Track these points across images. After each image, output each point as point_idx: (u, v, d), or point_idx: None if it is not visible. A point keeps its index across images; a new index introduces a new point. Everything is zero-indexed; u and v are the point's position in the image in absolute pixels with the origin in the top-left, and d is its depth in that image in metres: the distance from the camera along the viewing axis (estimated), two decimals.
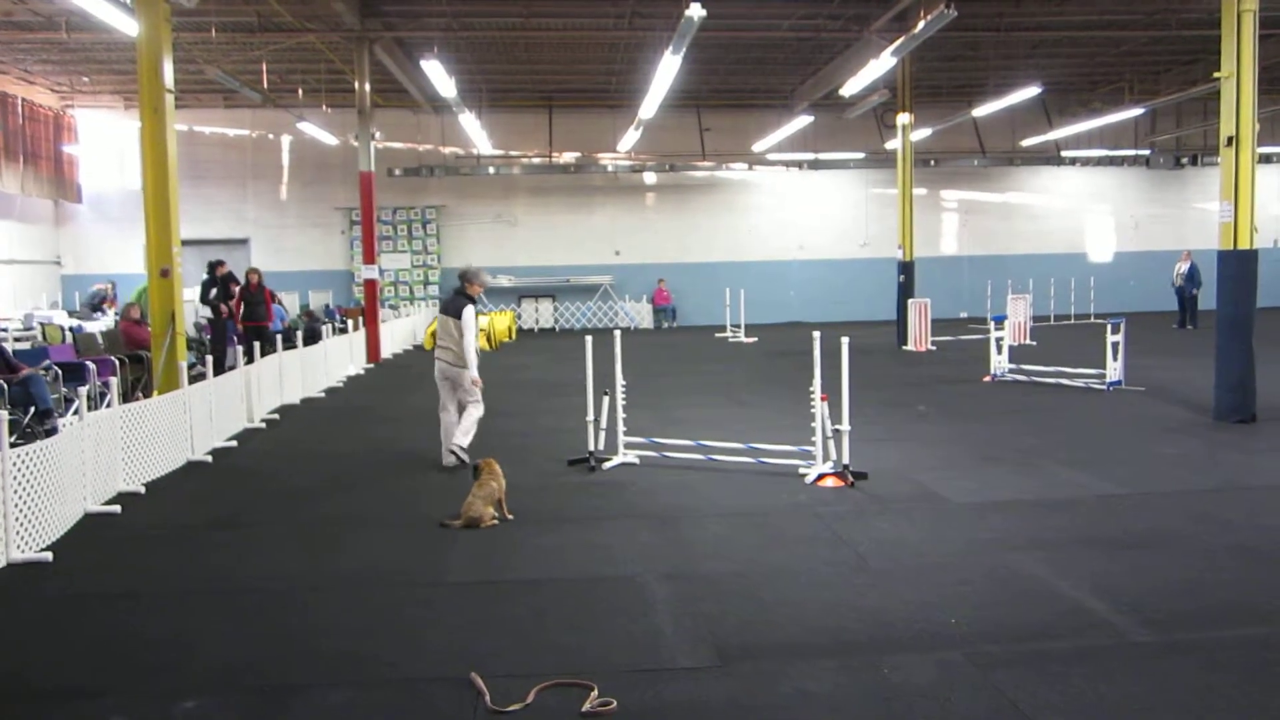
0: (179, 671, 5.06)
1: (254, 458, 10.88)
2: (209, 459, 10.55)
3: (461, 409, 10.03)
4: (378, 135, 21.73)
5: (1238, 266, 11.56)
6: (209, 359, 13.96)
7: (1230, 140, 11.37)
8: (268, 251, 27.90)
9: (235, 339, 17.25)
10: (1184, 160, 30.43)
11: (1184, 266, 24.54)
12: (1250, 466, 9.44)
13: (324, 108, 25.60)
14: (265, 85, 22.49)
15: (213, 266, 17.47)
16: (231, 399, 12.02)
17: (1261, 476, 9.01)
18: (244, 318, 17.52)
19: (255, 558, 7.09)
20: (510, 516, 7.86)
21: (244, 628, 5.71)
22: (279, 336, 14.36)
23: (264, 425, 12.75)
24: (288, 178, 28.47)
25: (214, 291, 17.19)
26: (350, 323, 20.59)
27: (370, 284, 20.78)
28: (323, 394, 15.70)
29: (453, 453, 9.80)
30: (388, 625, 5.68)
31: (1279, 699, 4.52)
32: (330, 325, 20.64)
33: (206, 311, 17.81)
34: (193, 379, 11.01)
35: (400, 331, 23.68)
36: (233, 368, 13.06)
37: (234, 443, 11.47)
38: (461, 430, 9.89)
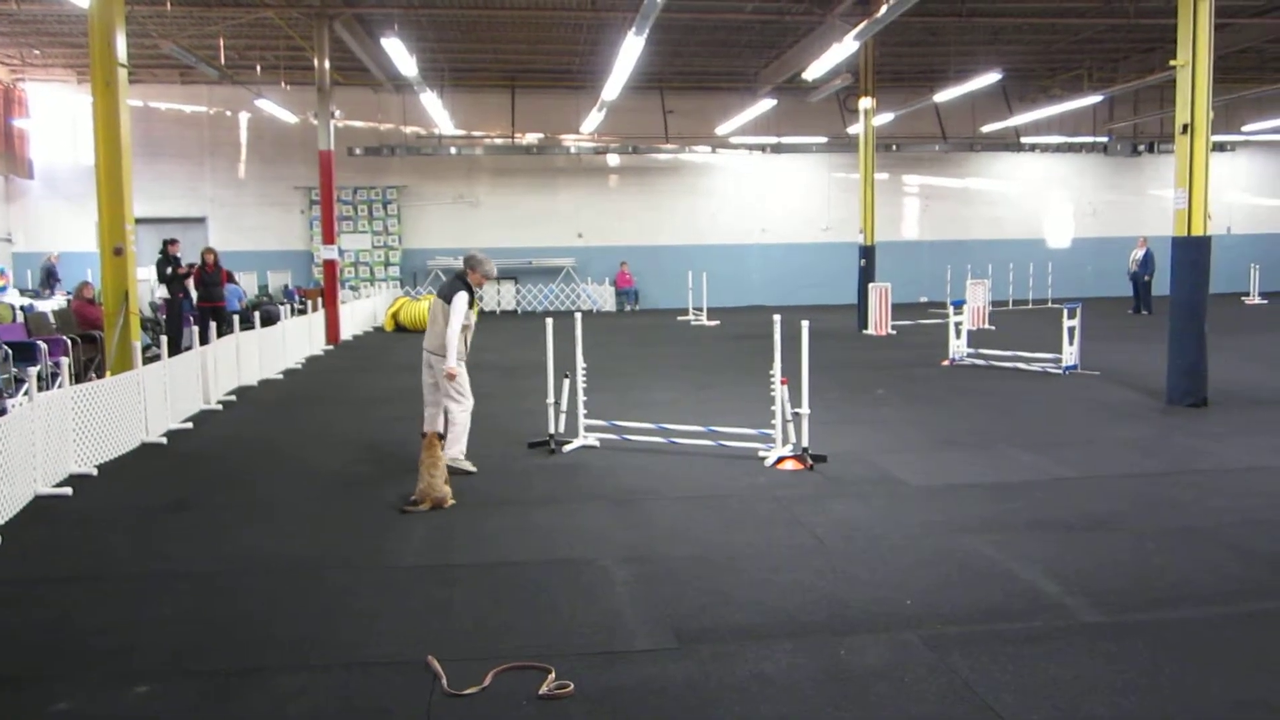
0: (129, 656, 5.00)
1: (210, 440, 10.75)
2: (164, 441, 10.41)
3: (445, 409, 9.02)
4: (338, 114, 21.48)
5: (1191, 253, 11.72)
6: (164, 339, 13.76)
7: (1185, 128, 11.50)
8: (225, 230, 27.52)
9: (191, 319, 17.03)
10: (1141, 147, 30.80)
11: (1139, 253, 24.85)
12: (1200, 450, 9.60)
13: (283, 85, 25.24)
14: (223, 61, 22.12)
15: (165, 245, 17.18)
16: (187, 380, 11.86)
17: (1211, 459, 9.16)
18: (200, 298, 17.28)
19: (209, 541, 7.00)
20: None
21: (197, 612, 5.64)
22: (236, 317, 14.16)
23: (220, 407, 12.59)
24: (246, 155, 28.06)
25: (169, 270, 16.92)
26: (309, 304, 20.36)
27: (330, 264, 20.57)
28: (281, 375, 15.54)
29: (451, 469, 8.38)
30: (343, 609, 5.64)
31: (1223, 678, 4.61)
32: (289, 306, 20.42)
33: (163, 291, 17.54)
34: (147, 360, 10.84)
35: (360, 313, 23.47)
36: (189, 348, 12.88)
37: (190, 425, 11.32)
38: (450, 440, 8.81)
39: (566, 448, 9.69)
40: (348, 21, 19.89)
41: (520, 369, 15.44)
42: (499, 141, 28.44)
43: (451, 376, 8.86)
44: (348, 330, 21.40)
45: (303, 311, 20.10)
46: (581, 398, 9.93)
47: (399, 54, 17.79)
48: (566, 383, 9.81)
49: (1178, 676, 4.62)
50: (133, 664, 4.90)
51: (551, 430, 9.74)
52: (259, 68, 24.74)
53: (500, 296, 28.99)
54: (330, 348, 19.56)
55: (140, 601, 5.81)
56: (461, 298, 8.76)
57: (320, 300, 20.60)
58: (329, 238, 20.53)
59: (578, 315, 10.11)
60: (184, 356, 12.15)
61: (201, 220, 27.67)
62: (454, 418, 9.01)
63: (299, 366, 16.74)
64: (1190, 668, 4.71)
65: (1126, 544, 6.64)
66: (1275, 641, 5.01)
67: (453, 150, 27.96)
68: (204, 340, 12.70)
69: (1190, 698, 4.43)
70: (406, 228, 28.78)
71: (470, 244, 28.49)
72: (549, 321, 9.87)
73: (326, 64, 19.66)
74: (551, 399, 9.75)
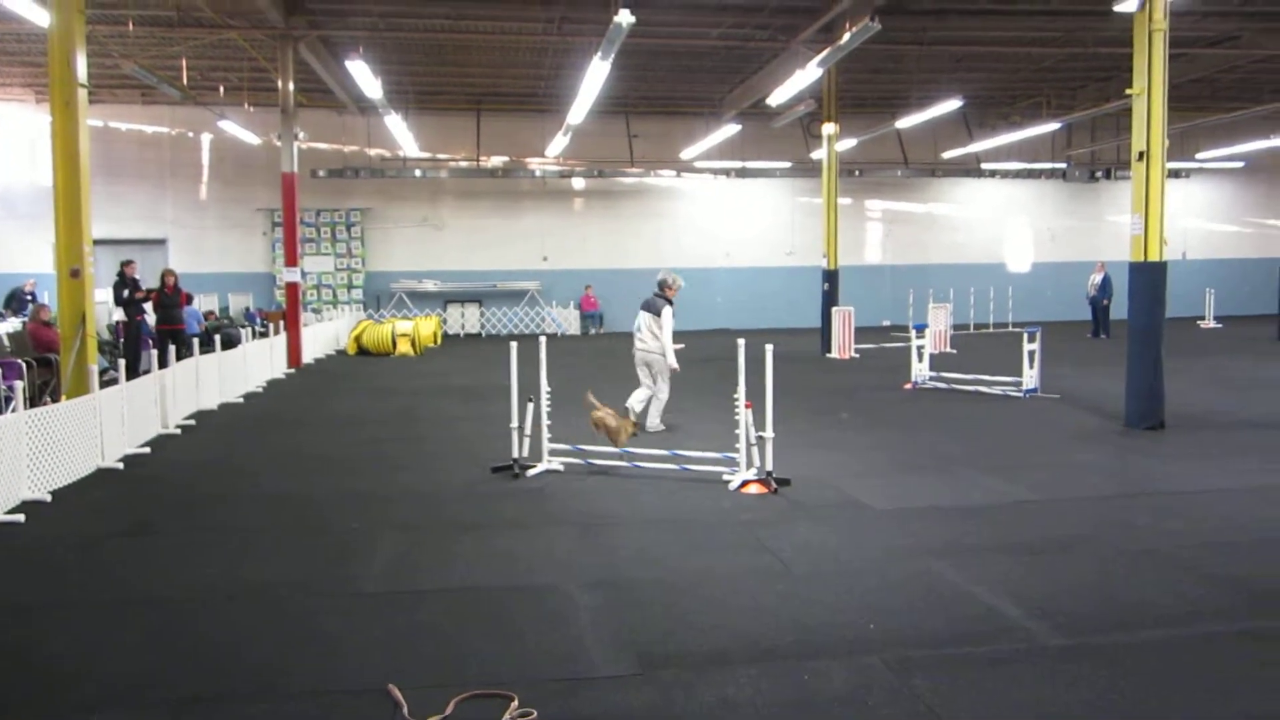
0: (84, 685, 4.91)
1: (167, 465, 10.61)
2: (120, 466, 10.26)
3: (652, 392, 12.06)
4: (301, 135, 21.37)
5: (1148, 278, 11.93)
6: (121, 362, 13.57)
7: (1141, 155, 11.74)
8: (186, 252, 27.24)
9: (150, 342, 16.82)
10: (1098, 174, 31.33)
11: (1098, 277, 25.24)
12: (1158, 472, 9.73)
13: (246, 106, 25.09)
14: (185, 82, 21.96)
15: (122, 267, 16.97)
16: (145, 404, 11.71)
17: (1168, 482, 9.29)
18: (159, 320, 17.08)
19: (167, 567, 6.90)
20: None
21: (154, 639, 5.55)
22: (195, 340, 14.01)
23: (179, 431, 12.44)
24: (208, 177, 27.86)
25: (125, 292, 16.71)
26: (271, 326, 20.17)
27: (292, 287, 20.41)
28: (241, 399, 15.38)
29: (643, 427, 11.72)
30: (303, 636, 5.57)
31: (1182, 700, 4.66)
32: (250, 329, 20.23)
33: (121, 314, 17.32)
34: (104, 383, 10.70)
35: (323, 336, 23.29)
36: (147, 371, 12.72)
37: (147, 449, 11.17)
38: (653, 412, 12.02)
39: (530, 472, 9.66)
40: (312, 44, 19.85)
41: (484, 393, 15.38)
42: (464, 164, 28.44)
43: (675, 369, 11.79)
44: (310, 353, 21.23)
45: (264, 334, 19.92)
46: (546, 421, 9.91)
47: (364, 76, 17.76)
48: (530, 406, 9.79)
49: (1138, 699, 4.67)
50: (87, 692, 4.82)
51: (515, 455, 9.70)
52: (222, 89, 24.59)
53: (464, 320, 28.89)
54: (292, 371, 19.39)
55: (97, 629, 5.71)
56: (668, 310, 11.75)
57: (282, 323, 20.42)
58: (291, 260, 20.38)
59: (542, 339, 10.11)
60: (142, 380, 12.00)
61: (162, 242, 27.39)
62: (660, 395, 12.08)
63: (260, 390, 16.57)
64: (1150, 690, 4.76)
65: (1087, 566, 6.71)
66: (1233, 663, 5.08)
67: (417, 173, 27.92)
68: (162, 363, 12.53)
69: None
70: (370, 250, 28.65)
71: (435, 267, 28.50)
72: (513, 345, 9.85)
73: (290, 86, 19.59)
74: (515, 423, 9.72)
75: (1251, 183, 32.39)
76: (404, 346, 22.60)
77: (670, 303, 11.87)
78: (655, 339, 11.83)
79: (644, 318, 12.01)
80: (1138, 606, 5.91)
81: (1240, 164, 30.91)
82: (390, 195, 28.57)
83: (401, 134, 24.29)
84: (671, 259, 29.80)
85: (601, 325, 29.41)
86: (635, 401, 12.13)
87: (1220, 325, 28.19)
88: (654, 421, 12.02)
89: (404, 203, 28.71)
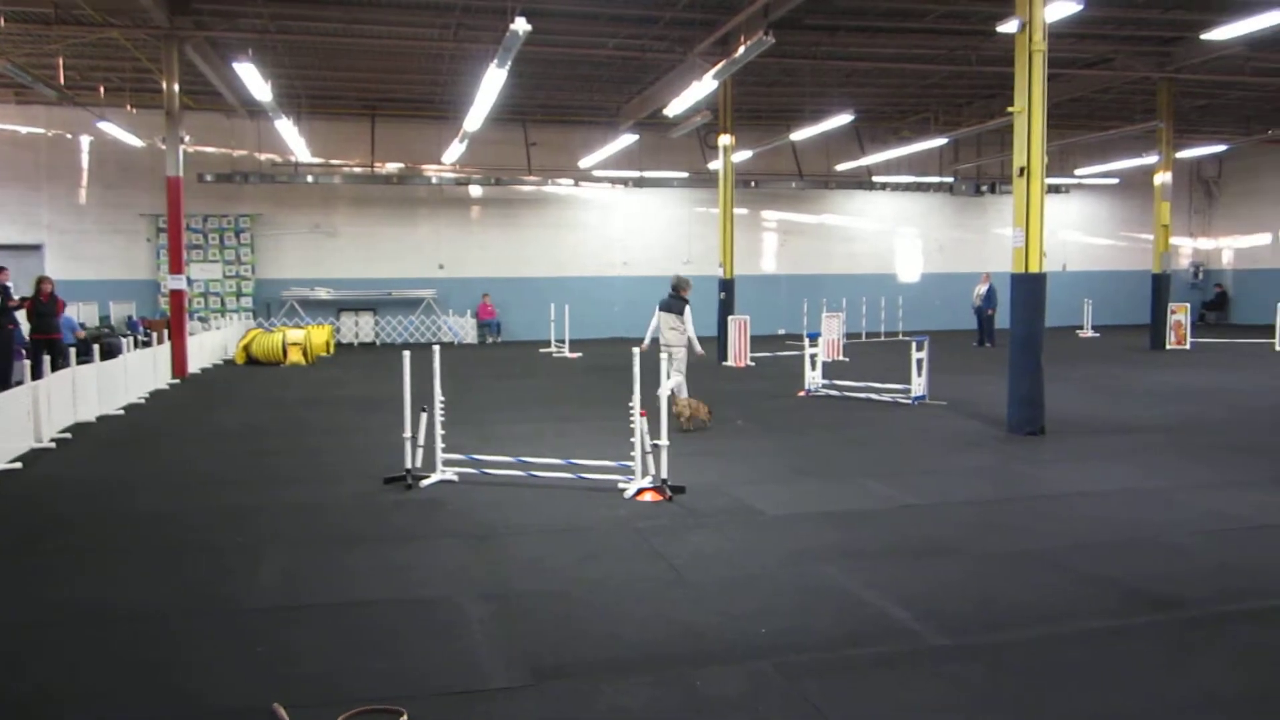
0: None
1: (41, 481, 10.14)
2: None
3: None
4: (187, 139, 20.71)
5: (1028, 289, 12.37)
6: None
7: (1022, 170, 12.16)
8: (64, 258, 26.16)
9: (23, 352, 16.12)
10: (984, 188, 32.38)
11: (983, 288, 26.05)
12: (1036, 477, 10.08)
13: (129, 108, 24.25)
14: (62, 81, 21.14)
15: None
16: (17, 416, 11.18)
17: (1045, 486, 9.64)
18: (34, 329, 16.38)
19: (33, 588, 6.59)
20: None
21: (26, 661, 5.30)
22: (72, 350, 13.46)
23: (54, 445, 11.90)
24: (88, 180, 26.82)
25: None
26: (155, 335, 19.50)
27: (177, 295, 19.78)
28: (122, 411, 14.82)
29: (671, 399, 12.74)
30: (185, 653, 5.39)
31: (1058, 695, 4.83)
32: (132, 338, 19.52)
33: None
34: None
35: (210, 345, 22.60)
36: (19, 383, 12.16)
37: (18, 464, 10.66)
38: (672, 385, 12.71)
39: (423, 483, 9.52)
40: (199, 44, 19.29)
41: (377, 402, 15.12)
42: (358, 170, 27.97)
43: (702, 355, 13.90)
44: (196, 363, 20.59)
45: (147, 343, 19.24)
46: (439, 431, 9.78)
47: (253, 79, 17.34)
48: (424, 416, 9.66)
49: (1017, 695, 4.83)
50: None
51: (408, 465, 9.56)
52: (102, 89, 23.73)
53: (358, 328, 28.37)
54: (176, 381, 18.77)
55: None
56: (688, 310, 13.57)
57: (166, 332, 19.77)
58: (176, 267, 19.75)
59: (435, 347, 9.99)
60: (13, 392, 11.47)
61: (38, 247, 26.25)
62: (677, 379, 13.40)
63: (142, 401, 15.99)
64: (1029, 687, 4.92)
65: (970, 568, 6.91)
66: (1104, 658, 5.28)
67: (309, 178, 27.33)
68: (36, 374, 12.00)
69: (1028, 714, 4.63)
70: (260, 257, 27.93)
71: (327, 274, 27.95)
72: (406, 354, 9.71)
73: (176, 87, 18.98)
74: (408, 433, 9.58)
75: (1126, 199, 33.82)
76: (295, 356, 22.08)
77: (688, 302, 13.71)
78: (679, 334, 13.50)
79: (662, 317, 13.63)
80: (1017, 606, 6.10)
81: (1115, 180, 32.28)
82: (281, 201, 27.92)
83: (293, 139, 23.77)
84: (569, 267, 29.85)
85: (499, 334, 29.20)
86: (667, 389, 12.86)
87: (1098, 334, 29.37)
88: (667, 393, 13.36)
89: (295, 209, 28.08)
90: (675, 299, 13.70)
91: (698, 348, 13.61)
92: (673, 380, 13.53)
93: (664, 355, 13.40)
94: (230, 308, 27.62)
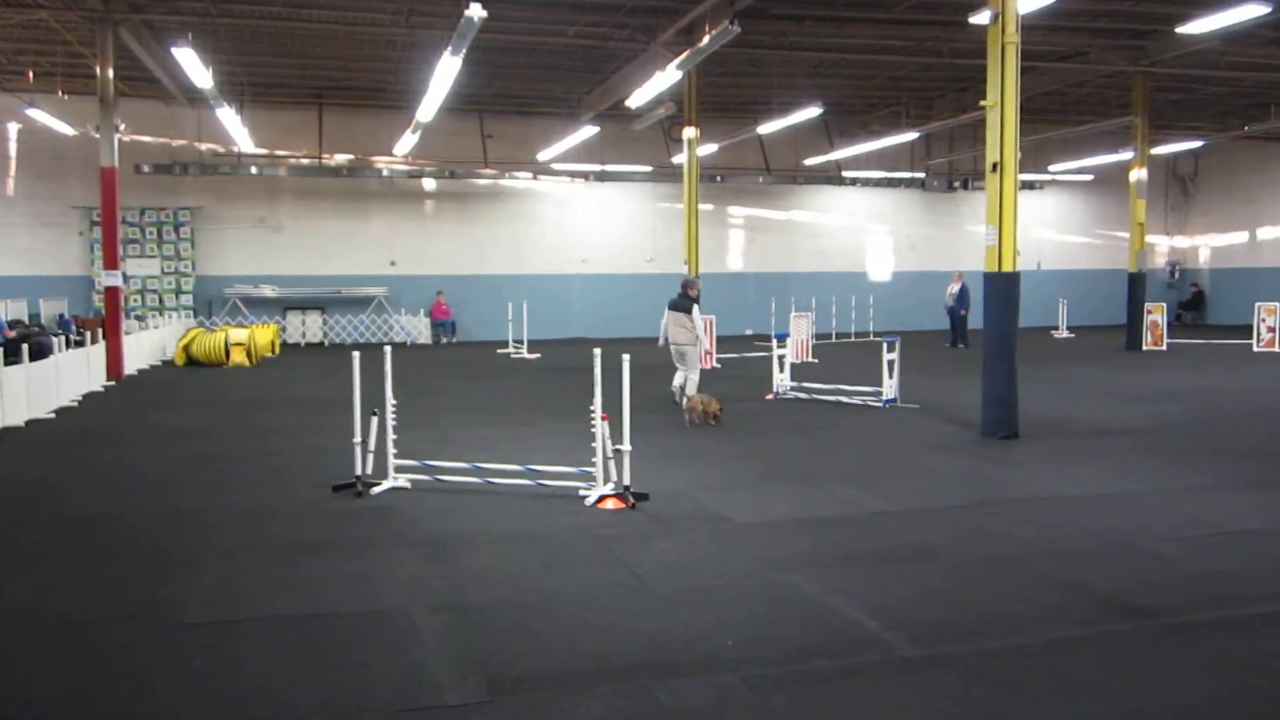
0: None
1: None
2: None
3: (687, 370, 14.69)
4: (123, 127, 20.43)
5: (1002, 288, 12.50)
6: None
7: (995, 166, 12.29)
8: None
9: None
10: (956, 184, 32.74)
11: (955, 287, 26.31)
12: (1010, 481, 10.20)
13: (60, 94, 23.88)
14: None
15: None
16: None
17: (1019, 490, 9.75)
18: None
19: None
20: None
21: None
22: None
23: None
24: (16, 170, 26.40)
25: None
26: (88, 334, 19.23)
27: (112, 292, 19.52)
28: (53, 414, 14.60)
29: (682, 396, 14.42)
30: (118, 670, 5.31)
31: (1032, 705, 4.89)
32: (64, 337, 19.23)
33: None
34: None
35: (147, 345, 22.32)
36: None
37: None
38: (691, 385, 14.43)
39: (374, 490, 9.46)
40: (135, 28, 19.04)
41: (326, 406, 15.00)
42: (305, 162, 27.75)
43: (710, 353, 14.57)
44: (133, 364, 20.33)
45: (80, 343, 18.96)
46: (391, 436, 9.72)
47: (193, 65, 17.16)
48: (375, 420, 9.59)
49: (989, 705, 4.87)
50: None
51: (358, 472, 9.49)
52: (31, 74, 23.35)
53: (305, 328, 28.14)
54: (112, 383, 18.53)
55: None
56: (696, 309, 14.44)
57: (101, 331, 19.49)
58: (111, 262, 19.49)
59: (387, 348, 9.93)
60: None
61: None
62: (692, 378, 14.55)
63: (75, 404, 15.77)
64: (1002, 697, 4.97)
65: (942, 575, 6.97)
66: (1080, 666, 5.35)
67: (253, 170, 27.09)
68: None
69: None
70: (201, 252, 27.63)
71: (272, 271, 27.71)
72: (355, 355, 9.64)
73: (110, 73, 18.74)
74: (358, 438, 9.51)
75: (1101, 195, 34.32)
76: (238, 356, 21.87)
77: (696, 301, 14.66)
78: (687, 332, 14.36)
79: (672, 316, 14.50)
80: (990, 614, 6.16)
81: (1090, 177, 32.75)
82: (223, 194, 27.64)
83: (236, 128, 23.54)
84: (527, 264, 29.80)
85: (454, 334, 29.09)
86: (677, 385, 14.87)
87: (1073, 335, 29.78)
88: (690, 392, 14.26)
89: (239, 202, 27.81)
90: (684, 298, 14.53)
91: (706, 346, 15.01)
92: (678, 378, 14.84)
93: (676, 359, 14.88)
94: (169, 306, 27.30)
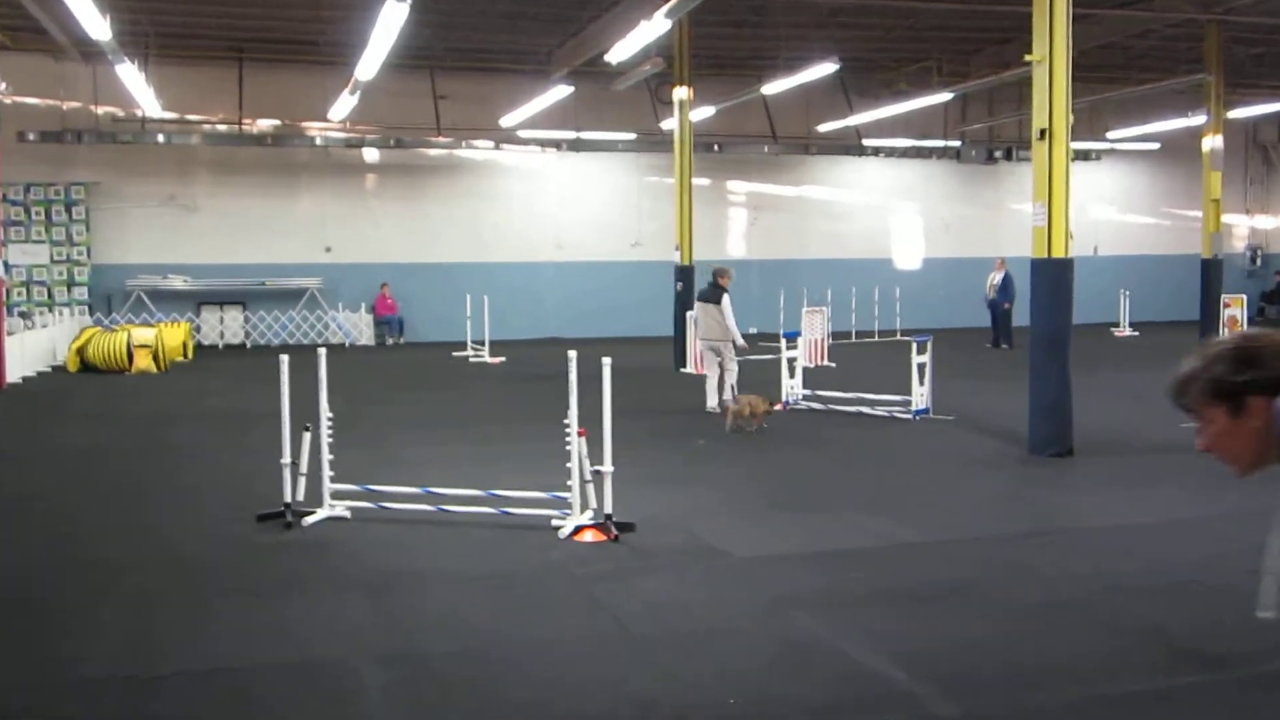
0: None
1: None
2: None
3: (722, 371, 15.65)
4: (4, 86, 20.40)
5: (1052, 277, 12.53)
6: None
7: (1043, 133, 12.30)
8: None
9: None
10: (997, 154, 32.77)
11: (997, 277, 26.36)
12: (1064, 506, 10.26)
13: None
14: None
15: None
16: None
17: (1075, 518, 9.80)
18: None
19: None
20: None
21: None
22: None
23: None
24: None
25: None
26: None
27: None
28: None
29: (723, 405, 15.08)
30: None
31: None
32: None
33: None
34: None
35: (34, 347, 22.24)
36: None
37: None
38: (727, 386, 15.39)
39: (308, 520, 9.45)
40: None
41: (248, 419, 14.98)
42: (222, 128, 27.67)
43: (745, 348, 15.73)
44: (16, 370, 20.24)
45: None
46: (327, 456, 9.71)
47: (86, 12, 17.10)
48: (307, 437, 9.58)
49: None
50: None
51: (288, 498, 9.48)
52: None
53: (224, 327, 28.07)
54: None
55: None
56: (727, 298, 15.36)
57: None
58: None
59: (321, 351, 9.92)
60: None
61: None
62: (730, 371, 15.55)
63: None
64: None
65: (983, 619, 7.01)
66: None
67: (160, 138, 26.96)
68: None
69: None
70: (98, 237, 27.53)
71: (184, 258, 27.63)
72: (284, 359, 9.64)
73: None
74: (288, 458, 9.49)
75: (1169, 167, 34.38)
76: (144, 361, 21.80)
77: (727, 290, 15.53)
78: (718, 324, 15.34)
79: (702, 308, 15.73)
80: (1041, 666, 6.19)
81: (1155, 145, 32.83)
82: (125, 167, 27.53)
83: (139, 88, 23.44)
84: (489, 251, 29.78)
85: (401, 333, 29.06)
86: (713, 391, 15.87)
87: (1137, 333, 29.86)
88: (728, 395, 15.22)
89: (143, 177, 27.70)
90: (714, 288, 15.58)
91: (738, 339, 15.41)
92: (711, 382, 15.89)
93: (707, 354, 16.04)
94: (60, 301, 27.18)
